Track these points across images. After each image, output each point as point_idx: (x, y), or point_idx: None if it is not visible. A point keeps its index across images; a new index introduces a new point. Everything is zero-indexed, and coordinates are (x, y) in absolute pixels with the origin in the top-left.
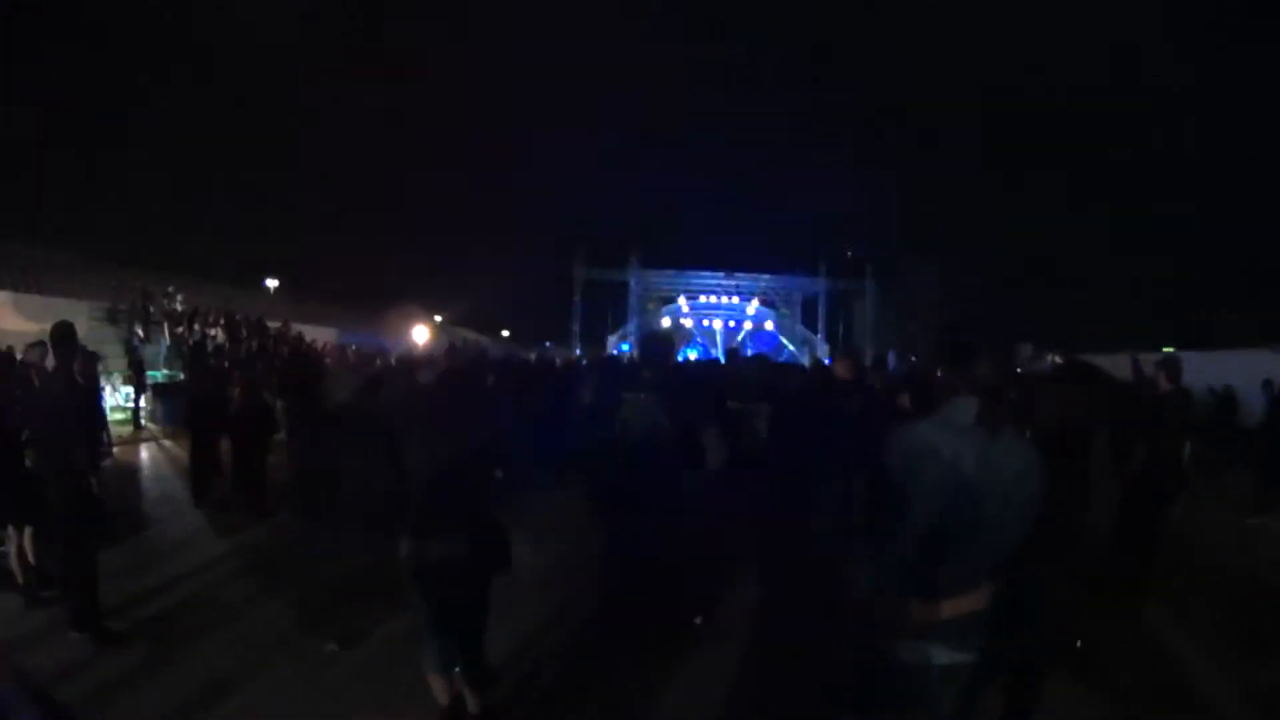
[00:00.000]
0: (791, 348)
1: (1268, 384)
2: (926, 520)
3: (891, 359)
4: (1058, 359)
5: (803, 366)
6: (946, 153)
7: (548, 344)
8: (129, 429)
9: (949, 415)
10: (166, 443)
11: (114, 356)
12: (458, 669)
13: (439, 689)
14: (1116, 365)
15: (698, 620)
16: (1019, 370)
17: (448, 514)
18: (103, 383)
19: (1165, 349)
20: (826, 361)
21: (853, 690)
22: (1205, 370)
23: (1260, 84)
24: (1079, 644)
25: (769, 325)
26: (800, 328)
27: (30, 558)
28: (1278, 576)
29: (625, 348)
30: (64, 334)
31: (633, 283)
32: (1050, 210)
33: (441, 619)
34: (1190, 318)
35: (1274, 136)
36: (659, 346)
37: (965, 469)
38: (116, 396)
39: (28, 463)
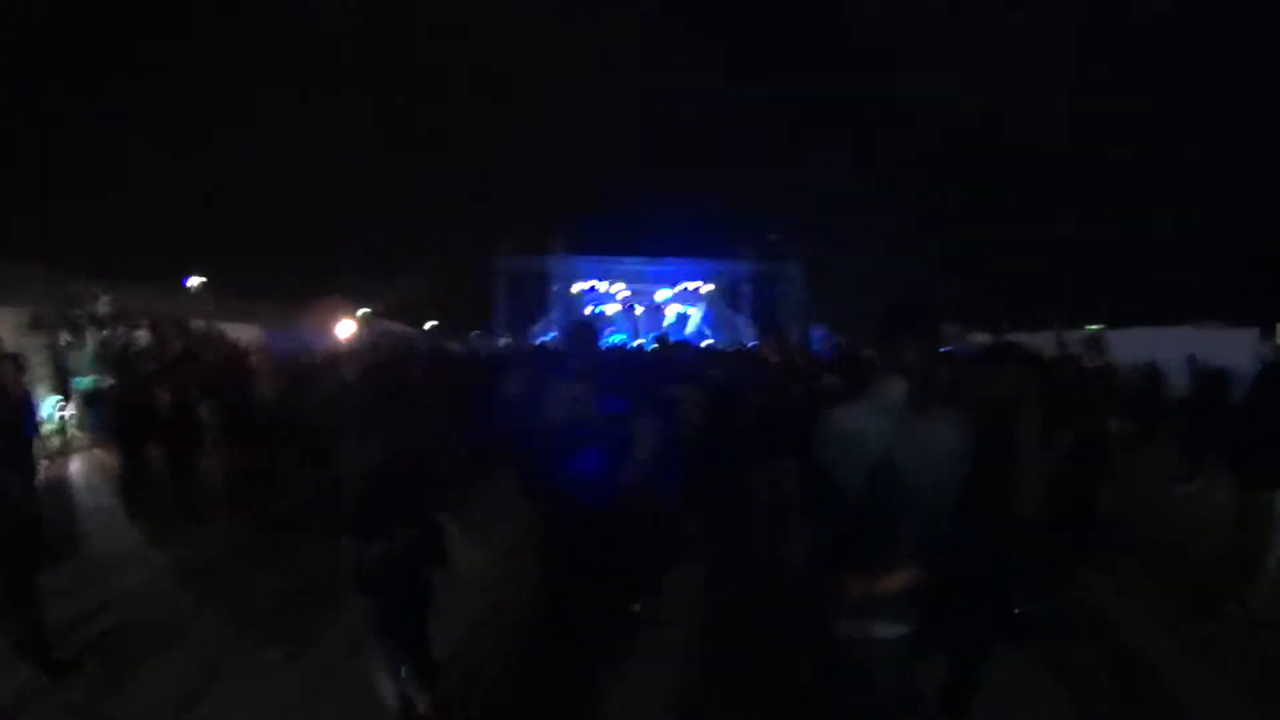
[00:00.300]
0: (717, 331)
1: (1192, 359)
2: (858, 500)
3: (819, 337)
4: (984, 337)
5: (727, 350)
6: (868, 130)
7: (474, 334)
8: (57, 439)
9: (878, 397)
10: (96, 452)
11: (40, 364)
12: (404, 669)
13: (387, 690)
14: (1042, 343)
15: (636, 607)
16: (947, 350)
17: (386, 513)
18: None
19: (1091, 327)
20: (751, 345)
21: (798, 668)
22: (1131, 347)
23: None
24: (1018, 611)
25: (694, 309)
26: (726, 311)
27: None
28: (1204, 542)
29: (550, 336)
30: None
31: (556, 270)
32: (976, 188)
33: (385, 619)
34: (1118, 292)
35: (1208, 118)
36: (585, 334)
37: (894, 449)
38: (44, 406)
39: None
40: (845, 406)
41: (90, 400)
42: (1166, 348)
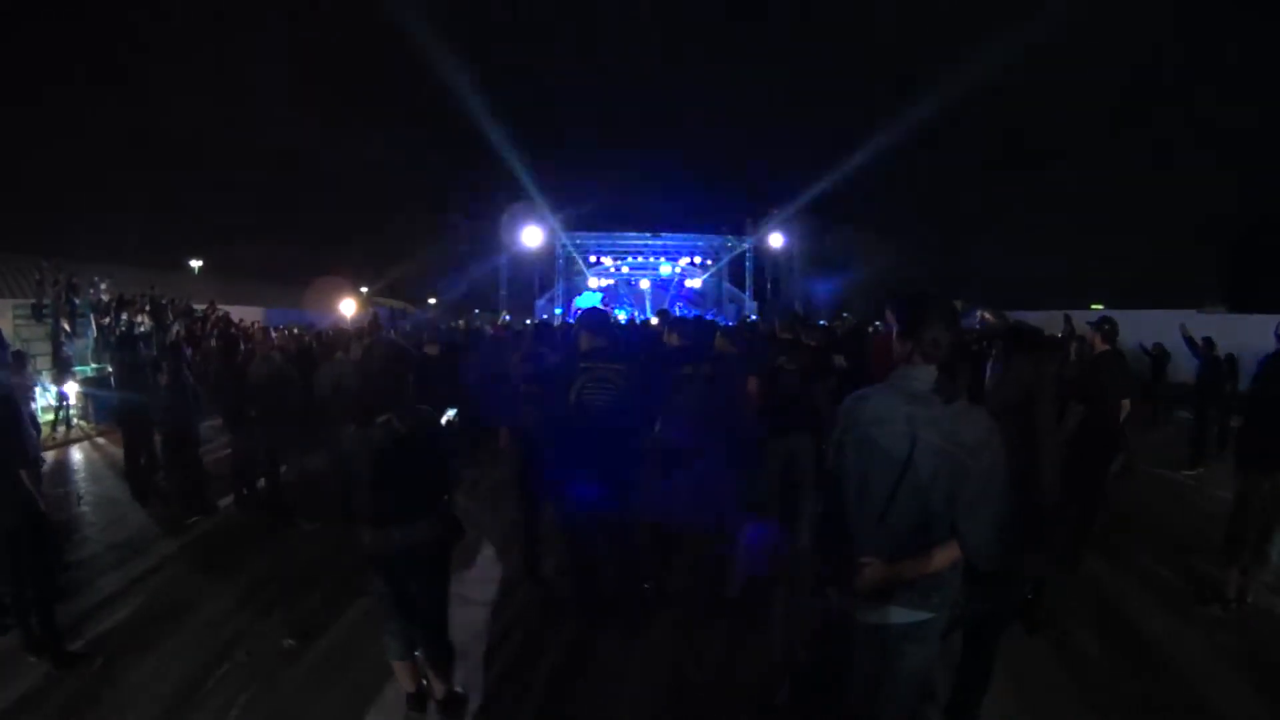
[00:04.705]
0: (720, 305)
1: (1205, 340)
2: (882, 485)
3: (822, 290)
4: (987, 315)
5: (729, 325)
6: (869, 107)
7: (476, 311)
8: (62, 430)
9: (903, 383)
10: (100, 440)
11: (42, 355)
12: (419, 654)
13: (404, 676)
14: (1050, 323)
15: (647, 586)
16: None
17: (403, 500)
18: (34, 382)
19: (1095, 306)
20: (753, 319)
21: (813, 651)
22: (1136, 328)
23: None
24: (1030, 595)
25: (696, 284)
26: (728, 286)
27: None
28: (1210, 527)
29: (558, 312)
30: None
31: (557, 246)
32: (975, 166)
33: (403, 606)
34: (1122, 273)
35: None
36: (598, 318)
37: (917, 435)
38: (47, 396)
39: None
40: (866, 392)
41: (92, 388)
42: (1171, 331)
